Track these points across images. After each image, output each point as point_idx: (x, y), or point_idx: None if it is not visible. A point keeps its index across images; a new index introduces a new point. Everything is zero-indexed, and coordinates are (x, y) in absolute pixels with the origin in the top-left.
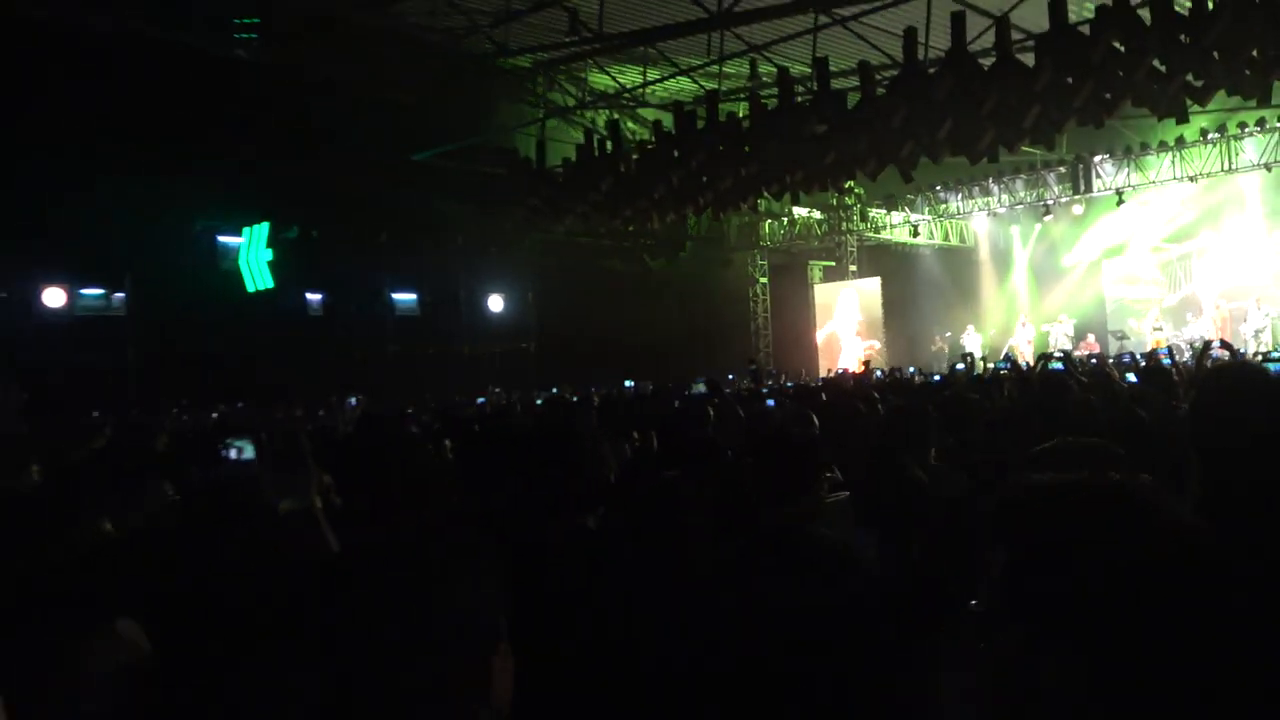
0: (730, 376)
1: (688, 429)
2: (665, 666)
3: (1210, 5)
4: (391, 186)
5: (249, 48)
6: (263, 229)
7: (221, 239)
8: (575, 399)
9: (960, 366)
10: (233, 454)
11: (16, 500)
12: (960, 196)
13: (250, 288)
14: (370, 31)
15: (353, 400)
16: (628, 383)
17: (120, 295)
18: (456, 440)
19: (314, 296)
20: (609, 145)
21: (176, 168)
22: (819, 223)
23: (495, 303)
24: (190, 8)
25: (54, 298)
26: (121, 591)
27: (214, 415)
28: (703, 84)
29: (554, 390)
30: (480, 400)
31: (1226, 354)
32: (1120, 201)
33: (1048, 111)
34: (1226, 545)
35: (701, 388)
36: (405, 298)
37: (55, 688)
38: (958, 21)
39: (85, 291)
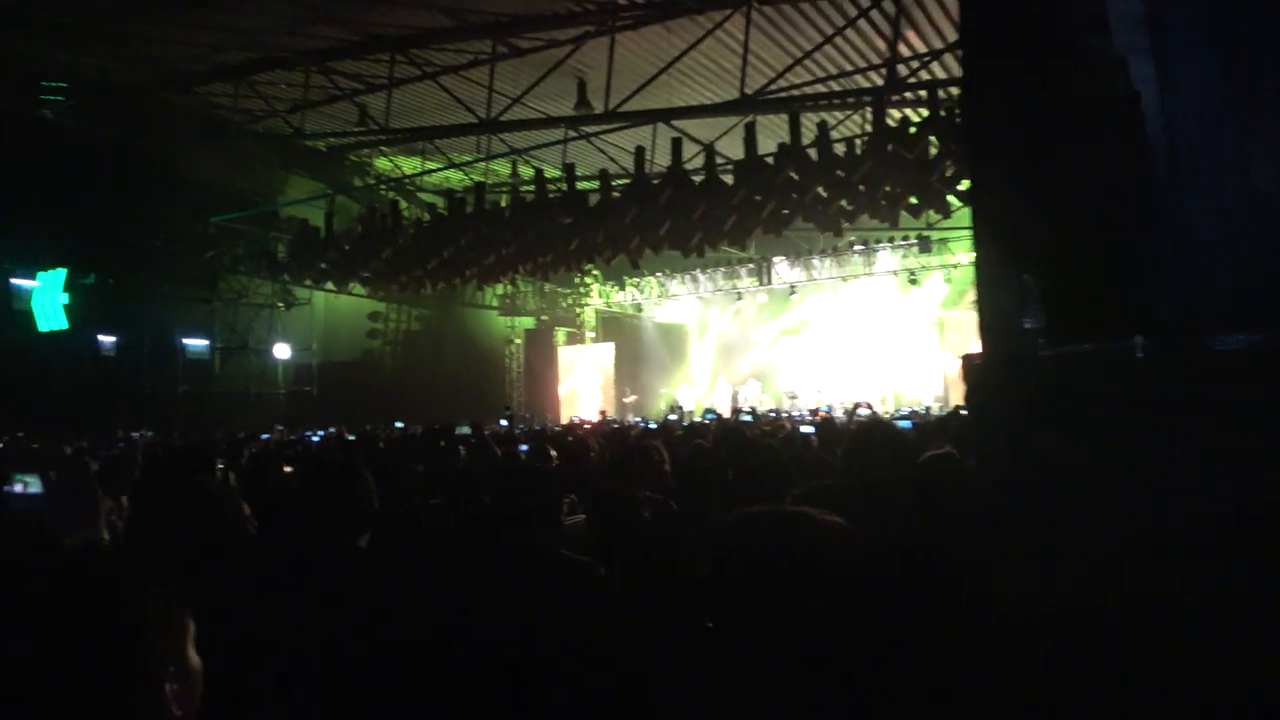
0: (503, 422)
1: (449, 464)
2: (417, 667)
3: (858, 151)
4: (189, 243)
5: (54, 108)
6: (59, 274)
7: (15, 281)
8: (353, 438)
9: (673, 416)
10: (18, 488)
11: None
12: (676, 281)
13: (42, 327)
14: (175, 105)
15: (135, 434)
16: (398, 424)
17: None
18: (240, 471)
19: (107, 339)
20: (389, 221)
21: None
22: (564, 295)
23: (282, 350)
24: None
25: None
26: None
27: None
28: (472, 176)
29: (332, 429)
30: (265, 436)
31: (868, 412)
32: (792, 293)
33: (741, 220)
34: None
35: (466, 429)
36: (197, 343)
37: None
38: (676, 145)
39: None
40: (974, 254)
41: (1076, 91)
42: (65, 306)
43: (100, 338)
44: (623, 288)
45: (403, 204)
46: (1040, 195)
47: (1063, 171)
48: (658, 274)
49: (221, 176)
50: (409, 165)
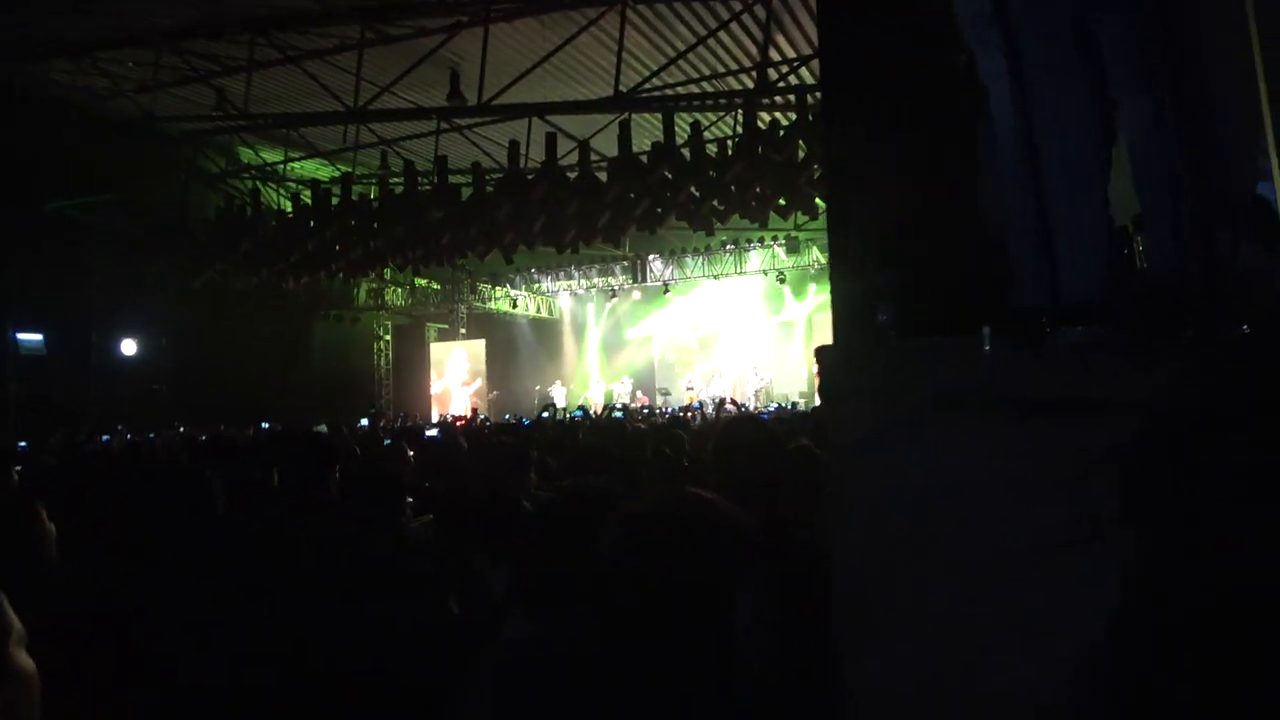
0: (365, 420)
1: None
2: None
3: (730, 152)
4: (22, 233)
5: None
6: None
7: None
8: (204, 438)
9: (545, 414)
10: None
11: None
12: (550, 278)
13: None
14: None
15: None
16: (264, 424)
17: None
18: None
19: None
20: (249, 210)
21: None
22: (436, 291)
23: (128, 346)
24: None
25: None
26: None
27: None
28: (339, 167)
29: (181, 429)
30: (106, 439)
31: (734, 408)
32: (666, 290)
33: (615, 218)
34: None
35: (323, 428)
36: (31, 338)
37: None
38: (550, 141)
39: None
40: (829, 245)
41: (930, 83)
42: None
43: None
44: (497, 284)
45: (267, 192)
46: (896, 186)
47: (918, 162)
48: (531, 270)
49: (59, 162)
50: (271, 155)
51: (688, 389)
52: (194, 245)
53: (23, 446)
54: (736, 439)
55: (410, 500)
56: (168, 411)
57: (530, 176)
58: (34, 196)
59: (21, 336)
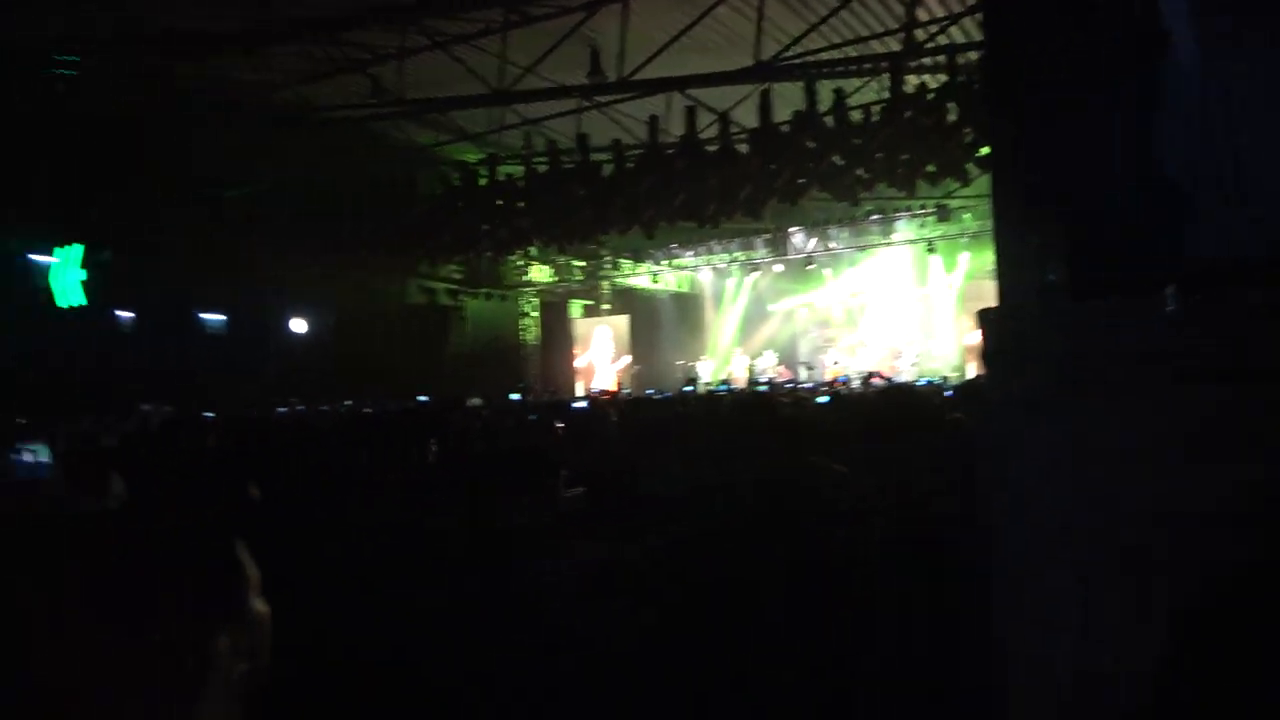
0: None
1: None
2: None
3: (875, 119)
4: (204, 219)
5: (65, 83)
6: (76, 250)
7: (33, 257)
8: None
9: (688, 388)
10: (27, 457)
11: None
12: (691, 253)
13: (60, 303)
14: (186, 80)
15: (147, 407)
16: (422, 398)
17: None
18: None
19: (125, 314)
20: (404, 194)
21: None
22: (579, 268)
23: (298, 325)
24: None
25: None
26: None
27: (20, 421)
28: (485, 149)
29: (348, 403)
30: (281, 410)
31: (882, 381)
32: (809, 263)
33: (756, 190)
34: None
35: (477, 401)
36: (214, 318)
37: None
38: (690, 114)
39: None
40: (993, 205)
41: (1101, 32)
42: (83, 283)
43: (118, 313)
44: (638, 259)
45: (419, 177)
46: (1064, 138)
47: (1091, 116)
48: (673, 245)
49: (234, 152)
50: (424, 138)
51: (834, 362)
52: (353, 228)
53: (209, 415)
54: (886, 410)
55: (564, 473)
56: (332, 386)
57: (670, 151)
58: (212, 185)
59: (205, 316)
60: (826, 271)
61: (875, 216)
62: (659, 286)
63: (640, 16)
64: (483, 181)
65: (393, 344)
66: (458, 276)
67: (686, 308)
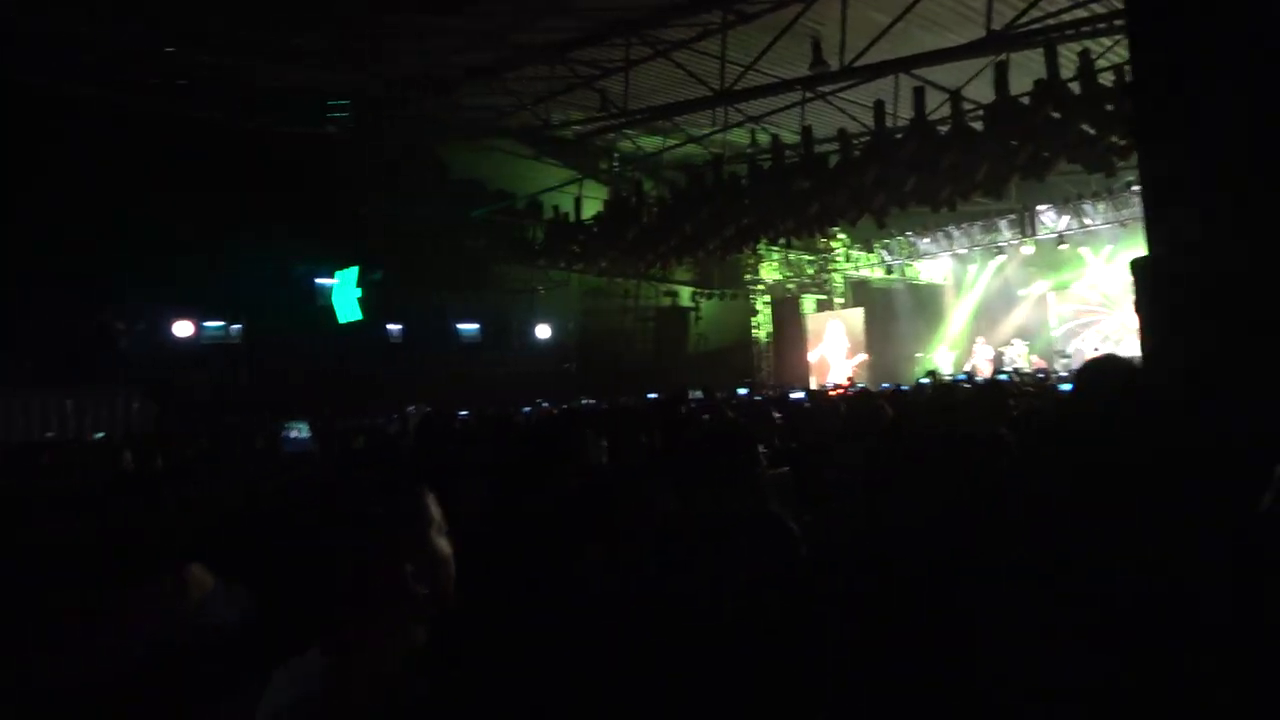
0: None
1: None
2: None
3: (1127, 79)
4: (457, 237)
5: (339, 125)
6: (352, 272)
7: (318, 280)
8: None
9: (925, 380)
10: (293, 434)
11: (143, 480)
12: (927, 240)
13: (341, 319)
14: (430, 109)
15: (412, 408)
16: (650, 395)
17: (237, 327)
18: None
19: (394, 326)
20: (634, 201)
21: (280, 225)
22: (810, 262)
23: (542, 330)
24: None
25: (183, 329)
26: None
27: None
28: (710, 149)
29: (583, 401)
30: (526, 410)
31: None
32: (1061, 243)
33: (995, 169)
34: None
35: (699, 394)
36: (469, 327)
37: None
38: (919, 95)
39: (208, 324)
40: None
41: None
42: (359, 300)
43: (389, 326)
44: (870, 251)
45: (647, 183)
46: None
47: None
48: (908, 233)
49: (474, 173)
50: (650, 144)
51: (1094, 350)
52: (587, 237)
53: (464, 414)
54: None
55: (764, 450)
56: (577, 386)
57: (899, 136)
58: (460, 206)
59: (461, 326)
60: (1084, 250)
61: (1137, 188)
62: (893, 277)
63: (860, 0)
64: (709, 183)
65: (632, 345)
66: (690, 278)
67: (924, 298)
